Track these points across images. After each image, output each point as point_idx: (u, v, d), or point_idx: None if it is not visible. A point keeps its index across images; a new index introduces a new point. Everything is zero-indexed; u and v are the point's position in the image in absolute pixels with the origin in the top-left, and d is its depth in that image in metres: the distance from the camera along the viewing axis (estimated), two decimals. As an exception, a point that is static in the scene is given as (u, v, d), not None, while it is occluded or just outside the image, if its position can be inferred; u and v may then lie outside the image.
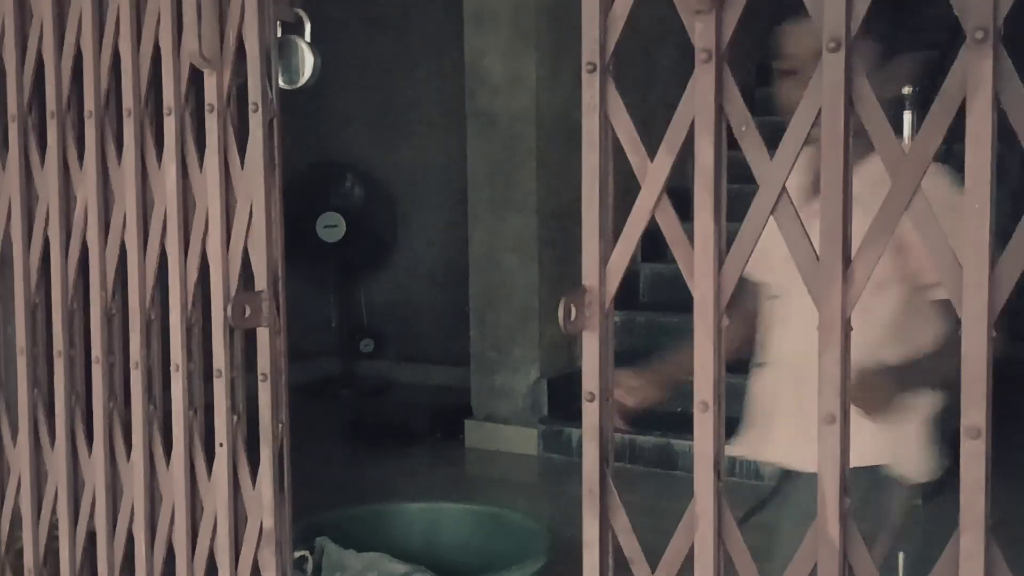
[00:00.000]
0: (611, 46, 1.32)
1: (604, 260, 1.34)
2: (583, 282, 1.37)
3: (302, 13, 1.86)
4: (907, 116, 3.32)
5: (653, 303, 4.69)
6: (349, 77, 5.60)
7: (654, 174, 1.31)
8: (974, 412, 1.11)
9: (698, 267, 1.28)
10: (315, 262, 5.51)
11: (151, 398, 1.98)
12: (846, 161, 1.18)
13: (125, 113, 1.95)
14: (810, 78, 1.20)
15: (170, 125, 1.88)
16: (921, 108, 3.24)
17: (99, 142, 2.00)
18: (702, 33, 1.25)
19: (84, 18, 2.00)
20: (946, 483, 3.26)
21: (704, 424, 1.30)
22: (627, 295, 4.64)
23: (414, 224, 5.69)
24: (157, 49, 1.90)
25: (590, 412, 1.36)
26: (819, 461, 1.20)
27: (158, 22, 1.89)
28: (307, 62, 1.85)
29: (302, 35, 1.88)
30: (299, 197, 5.33)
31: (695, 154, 1.27)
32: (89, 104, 2.00)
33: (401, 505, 3.22)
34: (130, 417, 2.00)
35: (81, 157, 2.04)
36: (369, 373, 5.68)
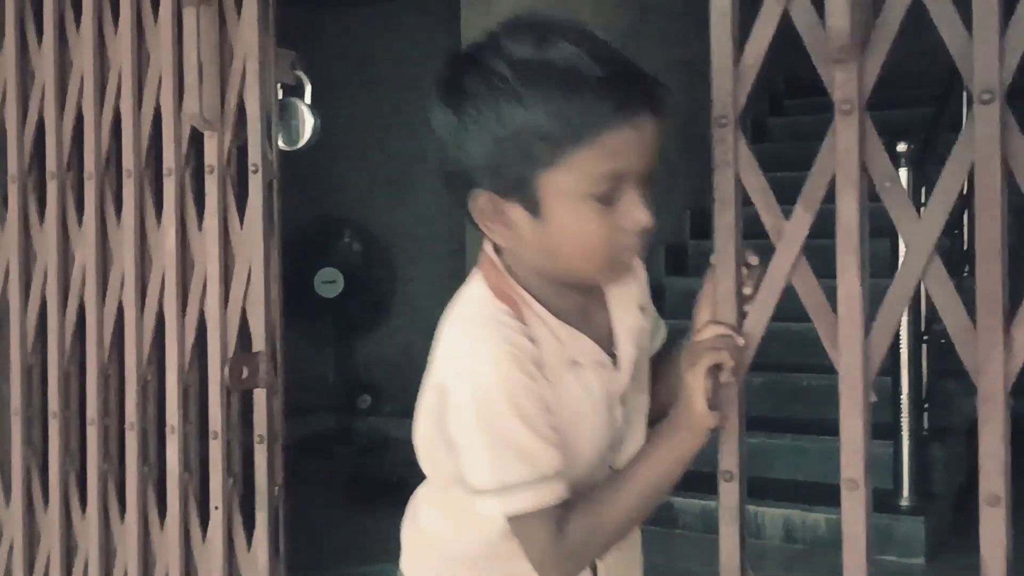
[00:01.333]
0: (743, 99, 1.22)
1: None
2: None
3: (303, 75, 1.88)
4: (903, 173, 3.35)
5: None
6: (348, 134, 5.64)
7: (791, 234, 1.19)
8: (994, 480, 1.09)
9: (843, 333, 1.16)
10: (313, 317, 5.50)
11: (146, 460, 1.96)
12: (1002, 219, 1.08)
13: (125, 174, 1.95)
14: (633, 202, 0.99)
15: (170, 186, 1.88)
16: (917, 165, 3.27)
17: (99, 202, 2.01)
18: (842, 83, 1.16)
19: (86, 79, 2.01)
20: (946, 543, 3.24)
21: (854, 503, 1.15)
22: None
23: (412, 280, 5.70)
24: (158, 110, 1.91)
25: (728, 492, 1.21)
26: (983, 546, 1.10)
27: (159, 84, 1.90)
28: (307, 124, 1.87)
29: (303, 97, 1.89)
30: (297, 252, 5.34)
31: (837, 211, 1.16)
32: (89, 165, 2.01)
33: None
34: (124, 479, 1.98)
35: (80, 217, 2.04)
36: (366, 429, 5.65)
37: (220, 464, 1.81)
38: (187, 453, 1.89)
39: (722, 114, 1.22)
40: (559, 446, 1.01)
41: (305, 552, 2.61)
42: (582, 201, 0.97)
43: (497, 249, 1.07)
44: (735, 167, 1.21)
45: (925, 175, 3.25)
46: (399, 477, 5.27)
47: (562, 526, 1.01)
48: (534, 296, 1.04)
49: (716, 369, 1.07)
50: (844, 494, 1.15)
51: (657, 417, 1.13)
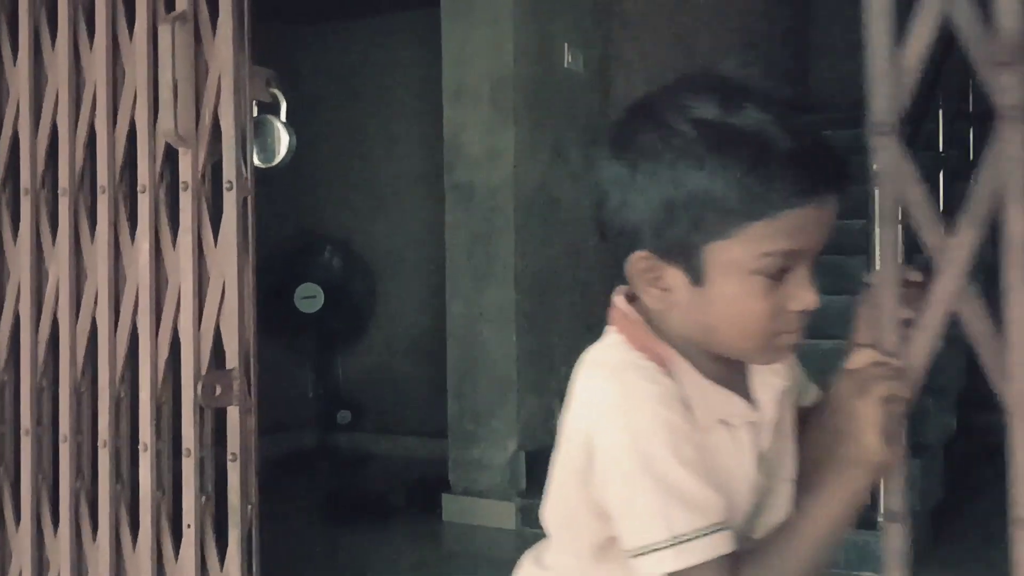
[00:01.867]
0: (904, 103, 1.12)
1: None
2: None
3: (278, 93, 1.88)
4: (878, 192, 3.37)
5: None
6: (329, 149, 5.64)
7: (955, 254, 1.08)
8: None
9: (1015, 358, 1.05)
10: (293, 333, 5.48)
11: (119, 477, 1.95)
12: None
13: (99, 190, 1.95)
14: (802, 283, 0.95)
15: (144, 202, 1.88)
16: (893, 183, 3.30)
17: (73, 219, 2.00)
18: (1009, 88, 1.06)
19: (61, 95, 2.01)
20: (924, 559, 3.24)
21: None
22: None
23: (392, 296, 5.69)
24: (133, 127, 1.91)
25: (894, 535, 1.09)
26: (1016, 570, 1.02)
27: (134, 100, 1.90)
28: (282, 141, 1.87)
29: (278, 115, 1.90)
30: (278, 268, 5.33)
31: (1006, 226, 1.06)
32: (64, 181, 2.01)
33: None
34: (97, 496, 1.97)
35: (54, 234, 2.03)
36: (346, 445, 5.63)
37: (193, 482, 1.80)
38: (160, 471, 1.88)
39: (882, 121, 1.11)
40: (719, 493, 0.93)
41: (283, 570, 2.59)
42: (750, 276, 0.92)
43: (635, 304, 1.00)
44: (898, 179, 1.10)
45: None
46: (377, 494, 5.27)
47: None
48: (680, 354, 0.97)
49: (887, 400, 0.97)
50: (1016, 534, 1.05)
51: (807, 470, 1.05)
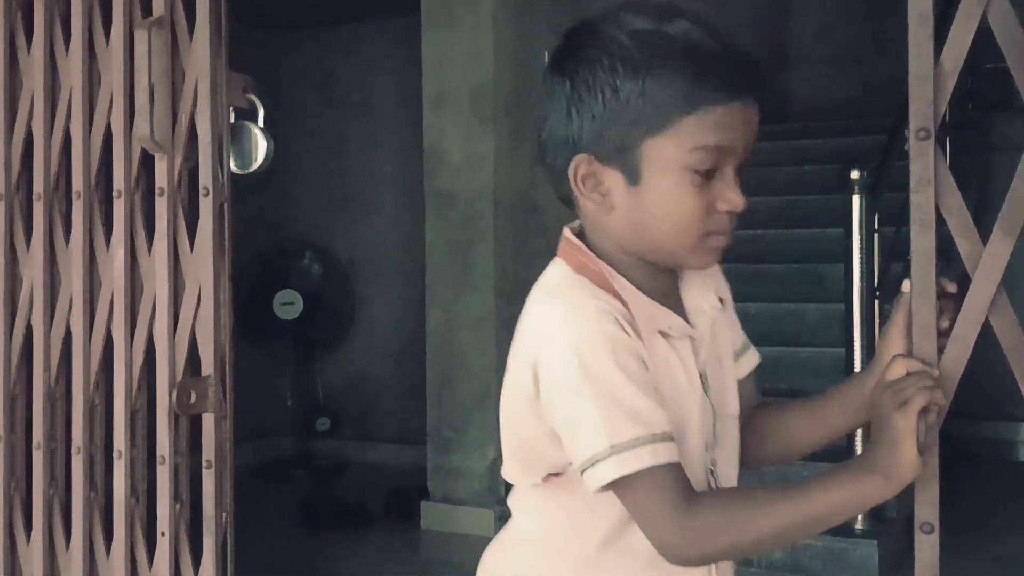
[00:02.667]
0: (943, 109, 1.09)
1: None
2: None
3: (255, 99, 1.88)
4: (856, 200, 3.39)
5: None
6: (309, 155, 5.63)
7: (990, 263, 1.07)
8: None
9: None
10: (271, 340, 5.45)
11: (93, 485, 1.93)
12: None
13: (74, 195, 1.94)
14: (727, 183, 0.98)
15: (119, 208, 1.87)
16: (870, 192, 3.32)
17: (47, 224, 1.99)
18: None
19: (36, 100, 2.00)
20: (899, 567, 3.26)
21: None
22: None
23: (372, 302, 5.68)
24: (108, 132, 1.90)
25: (927, 546, 1.09)
26: None
27: (110, 105, 1.89)
28: (260, 147, 1.86)
29: (256, 120, 1.89)
30: (257, 274, 5.31)
31: None
32: (38, 186, 1.99)
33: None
34: (70, 504, 1.95)
35: (29, 239, 2.02)
36: (325, 452, 5.60)
37: (168, 490, 1.79)
38: (134, 478, 1.87)
39: (922, 126, 1.09)
40: (663, 407, 0.95)
41: (259, 578, 2.58)
42: (682, 173, 0.97)
43: (579, 234, 1.06)
44: (936, 184, 1.09)
45: (878, 201, 3.30)
46: (356, 501, 5.25)
47: (689, 500, 0.93)
48: (617, 271, 1.02)
49: (924, 412, 0.96)
50: None
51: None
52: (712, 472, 1.03)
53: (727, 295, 1.11)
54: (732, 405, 1.08)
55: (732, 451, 1.07)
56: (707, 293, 1.07)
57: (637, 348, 0.96)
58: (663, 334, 1.01)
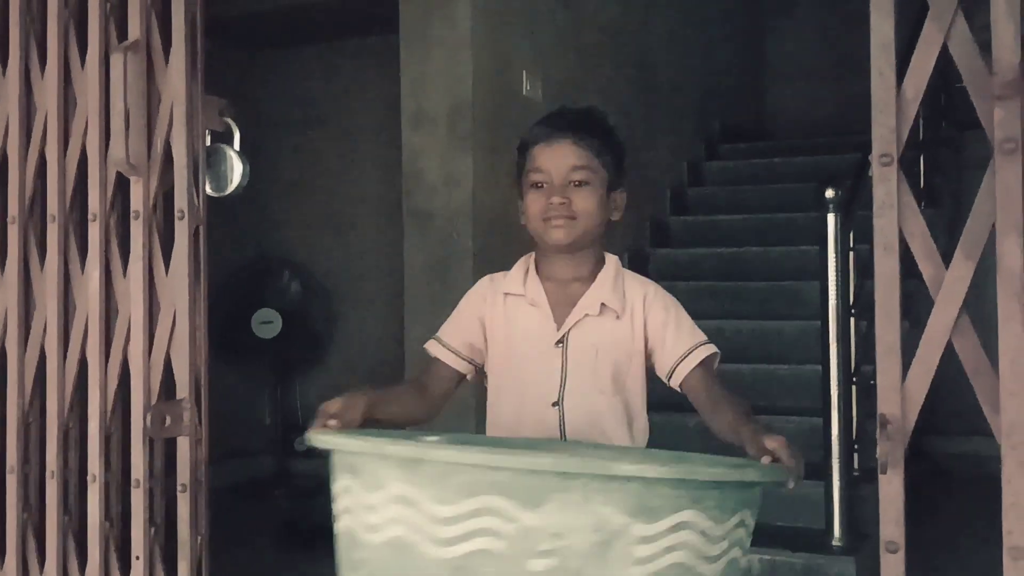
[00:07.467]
0: (905, 134, 1.13)
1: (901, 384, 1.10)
2: (879, 409, 1.14)
3: (231, 122, 1.88)
4: (831, 219, 3.42)
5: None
6: (287, 174, 5.62)
7: (952, 286, 1.09)
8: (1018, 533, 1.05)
9: (1005, 387, 1.05)
10: (250, 359, 5.43)
11: (67, 508, 1.92)
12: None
13: (49, 218, 1.93)
14: (553, 189, 1.52)
15: (94, 231, 1.87)
16: (844, 210, 3.34)
17: (22, 247, 1.98)
18: (1004, 121, 1.08)
19: (11, 123, 1.99)
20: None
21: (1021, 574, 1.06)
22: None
23: (351, 321, 5.67)
24: (84, 155, 1.90)
25: (892, 566, 1.15)
26: None
27: (86, 128, 1.89)
28: (235, 170, 1.86)
29: (232, 143, 1.89)
30: (235, 293, 5.29)
31: (998, 256, 1.07)
32: (13, 209, 1.99)
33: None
34: (44, 528, 1.94)
35: (3, 262, 2.01)
36: (304, 472, 5.57)
37: (142, 513, 1.78)
38: (108, 502, 1.86)
39: (884, 152, 1.13)
40: (460, 335, 1.65)
41: (236, 599, 2.56)
42: (531, 189, 1.57)
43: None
44: (899, 208, 1.12)
45: (852, 220, 3.32)
46: (334, 522, 5.16)
47: (418, 376, 1.71)
48: (538, 264, 1.62)
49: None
50: (1007, 563, 1.05)
51: None
52: (559, 404, 1.55)
53: (617, 306, 1.57)
54: (586, 361, 1.56)
55: (581, 395, 1.55)
56: (595, 301, 1.56)
57: (483, 308, 1.63)
58: (533, 304, 1.58)
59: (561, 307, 1.59)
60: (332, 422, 1.50)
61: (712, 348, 1.57)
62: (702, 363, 1.55)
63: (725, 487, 1.11)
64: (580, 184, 1.55)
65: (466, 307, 1.67)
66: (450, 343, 1.66)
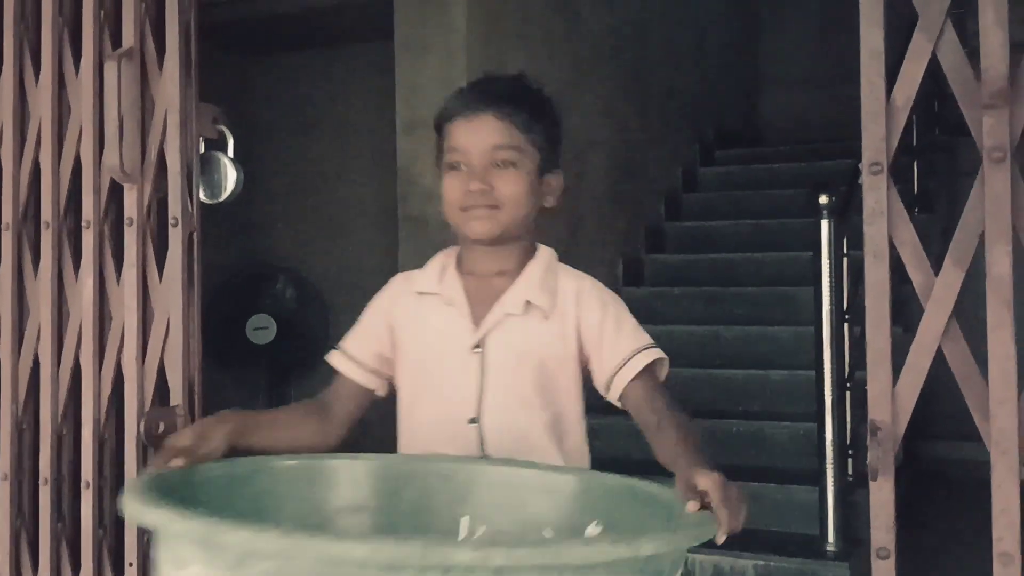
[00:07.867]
0: (895, 143, 1.13)
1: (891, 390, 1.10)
2: (870, 415, 1.13)
3: (225, 129, 1.89)
4: (824, 225, 3.43)
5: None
6: (282, 179, 5.63)
7: (942, 293, 1.10)
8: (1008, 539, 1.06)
9: (995, 394, 1.06)
10: (245, 364, 5.43)
11: (60, 515, 1.92)
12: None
13: (43, 225, 1.93)
14: (473, 173, 1.32)
15: (88, 238, 1.87)
16: (839, 216, 3.35)
17: (15, 254, 1.98)
18: (992, 130, 1.09)
19: (5, 130, 2.00)
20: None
21: None
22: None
23: (346, 327, 5.64)
24: (78, 162, 1.90)
25: (882, 571, 1.13)
26: None
27: (79, 136, 1.89)
28: (229, 177, 1.87)
29: (226, 150, 1.90)
30: (229, 299, 5.29)
31: (987, 263, 1.07)
32: (7, 216, 1.99)
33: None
34: (38, 535, 1.94)
35: (-4, 269, 2.01)
36: (299, 477, 5.58)
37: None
38: (102, 509, 1.86)
39: (874, 160, 1.13)
40: (366, 344, 1.48)
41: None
42: (448, 171, 1.37)
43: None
44: (890, 216, 1.12)
45: (846, 225, 3.33)
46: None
47: (322, 396, 1.55)
48: (459, 258, 1.43)
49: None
50: (997, 569, 1.05)
51: None
52: (476, 421, 1.35)
53: (545, 304, 1.35)
54: (510, 374, 1.35)
55: (502, 410, 1.35)
56: (518, 298, 1.36)
57: (390, 309, 1.45)
58: (449, 303, 1.39)
59: (481, 306, 1.36)
60: (177, 461, 1.19)
61: (657, 352, 1.33)
62: (645, 371, 1.31)
63: (617, 565, 0.86)
64: (504, 165, 1.32)
65: (372, 310, 1.46)
66: (354, 353, 1.45)
